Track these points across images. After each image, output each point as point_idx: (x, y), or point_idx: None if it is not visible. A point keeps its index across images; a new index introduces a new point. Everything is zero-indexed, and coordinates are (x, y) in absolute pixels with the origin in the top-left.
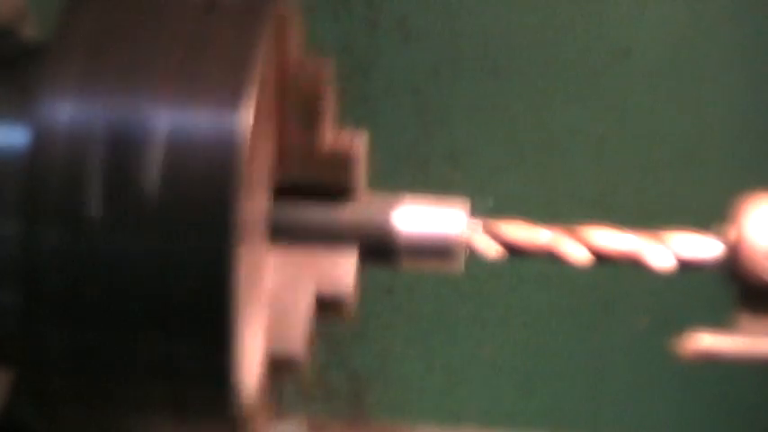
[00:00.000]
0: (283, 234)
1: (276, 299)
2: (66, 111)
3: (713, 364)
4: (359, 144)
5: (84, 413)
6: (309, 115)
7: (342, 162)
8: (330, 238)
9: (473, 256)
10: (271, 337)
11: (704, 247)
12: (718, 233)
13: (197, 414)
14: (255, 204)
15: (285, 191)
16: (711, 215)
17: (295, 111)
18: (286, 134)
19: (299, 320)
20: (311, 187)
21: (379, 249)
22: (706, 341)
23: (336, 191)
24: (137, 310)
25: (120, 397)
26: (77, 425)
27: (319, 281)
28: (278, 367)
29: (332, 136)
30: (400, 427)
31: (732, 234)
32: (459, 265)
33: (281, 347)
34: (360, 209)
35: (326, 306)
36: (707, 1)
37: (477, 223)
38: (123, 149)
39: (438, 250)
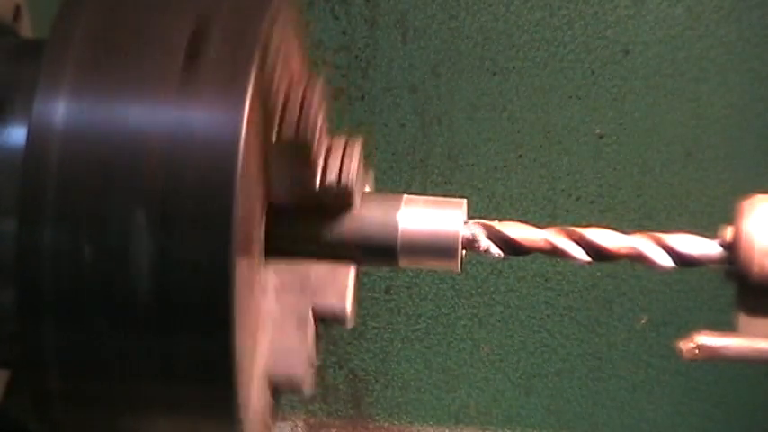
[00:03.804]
0: (279, 248)
1: (276, 322)
2: (61, 111)
3: (713, 364)
4: (354, 165)
5: (81, 413)
6: (301, 152)
7: (337, 194)
8: (328, 247)
9: (471, 256)
10: (273, 362)
11: (704, 245)
12: (718, 232)
13: (195, 414)
14: (251, 218)
15: (280, 208)
16: (710, 214)
17: (287, 147)
18: (279, 166)
19: (302, 348)
20: (307, 207)
21: (378, 247)
22: (706, 340)
23: (333, 202)
24: (135, 311)
25: (116, 397)
26: (74, 425)
27: (317, 302)
28: (281, 389)
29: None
30: (399, 427)
31: (731, 233)
32: (457, 264)
33: (284, 374)
34: (359, 207)
35: (326, 320)
36: (705, 1)
37: (476, 222)
38: (119, 150)
39: (436, 249)
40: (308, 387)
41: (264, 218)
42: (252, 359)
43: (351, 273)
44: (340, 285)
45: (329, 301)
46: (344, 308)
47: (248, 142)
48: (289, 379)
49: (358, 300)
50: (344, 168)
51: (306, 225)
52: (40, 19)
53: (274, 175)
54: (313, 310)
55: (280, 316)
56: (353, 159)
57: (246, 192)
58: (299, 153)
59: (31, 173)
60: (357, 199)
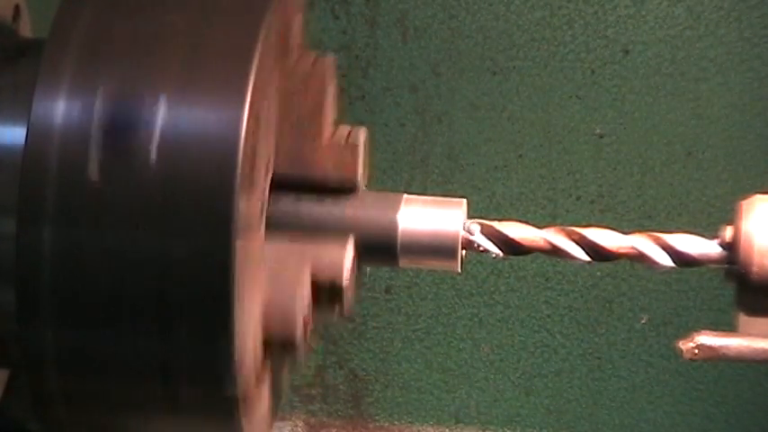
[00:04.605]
0: (281, 227)
1: (273, 284)
2: (60, 111)
3: (713, 364)
4: (360, 138)
5: (81, 413)
6: (312, 111)
7: (343, 155)
8: (328, 230)
9: (471, 256)
10: (268, 320)
11: (704, 245)
12: (718, 232)
13: (195, 414)
14: (254, 198)
15: (286, 185)
16: (710, 214)
17: (297, 106)
18: (288, 128)
19: (297, 304)
20: (312, 181)
21: (378, 247)
22: (706, 340)
23: (337, 185)
24: (134, 310)
25: (116, 397)
26: (74, 424)
27: (315, 265)
28: (276, 351)
29: (333, 130)
30: (399, 427)
31: (731, 233)
32: (457, 264)
33: (279, 330)
34: (359, 206)
35: (325, 293)
36: (705, 1)
37: (476, 222)
38: (119, 150)
39: (436, 249)
40: (301, 347)
41: (268, 194)
42: (252, 343)
43: (350, 246)
44: (338, 254)
45: (327, 265)
46: (343, 272)
47: (252, 129)
48: (284, 337)
49: (358, 298)
50: (351, 137)
51: (307, 208)
52: (40, 19)
53: (283, 144)
54: (310, 271)
55: (276, 277)
56: (360, 136)
57: (249, 181)
58: None
59: (30, 173)
60: (361, 177)
